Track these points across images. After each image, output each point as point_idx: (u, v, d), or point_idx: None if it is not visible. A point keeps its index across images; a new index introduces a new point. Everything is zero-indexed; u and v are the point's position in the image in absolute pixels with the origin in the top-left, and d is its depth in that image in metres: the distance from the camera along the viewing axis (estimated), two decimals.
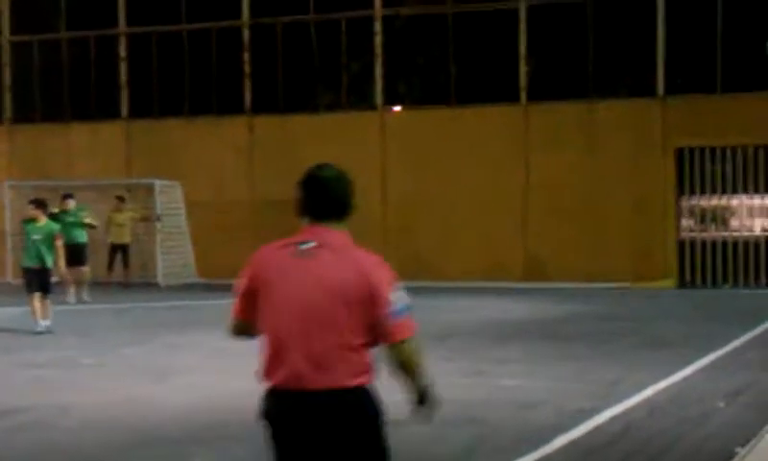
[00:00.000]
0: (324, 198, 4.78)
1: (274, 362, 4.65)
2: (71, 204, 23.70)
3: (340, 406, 4.54)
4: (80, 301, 23.08)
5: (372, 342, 4.62)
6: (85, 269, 23.63)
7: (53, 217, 19.70)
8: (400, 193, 28.91)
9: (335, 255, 4.68)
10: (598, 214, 27.09)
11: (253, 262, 4.86)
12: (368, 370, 4.61)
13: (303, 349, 4.57)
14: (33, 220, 18.63)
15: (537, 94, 28.23)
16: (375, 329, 4.59)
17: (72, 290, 23.10)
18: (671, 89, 27.15)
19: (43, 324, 17.98)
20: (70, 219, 23.23)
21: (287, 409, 4.62)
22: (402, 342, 4.60)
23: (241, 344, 13.52)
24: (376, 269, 4.71)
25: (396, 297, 4.66)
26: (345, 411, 4.54)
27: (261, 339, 4.73)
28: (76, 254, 22.76)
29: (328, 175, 4.83)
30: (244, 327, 4.86)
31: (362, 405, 4.57)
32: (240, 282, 4.84)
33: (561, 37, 28.29)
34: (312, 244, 4.71)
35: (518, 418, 8.41)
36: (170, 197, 29.19)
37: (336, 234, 4.76)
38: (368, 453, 4.59)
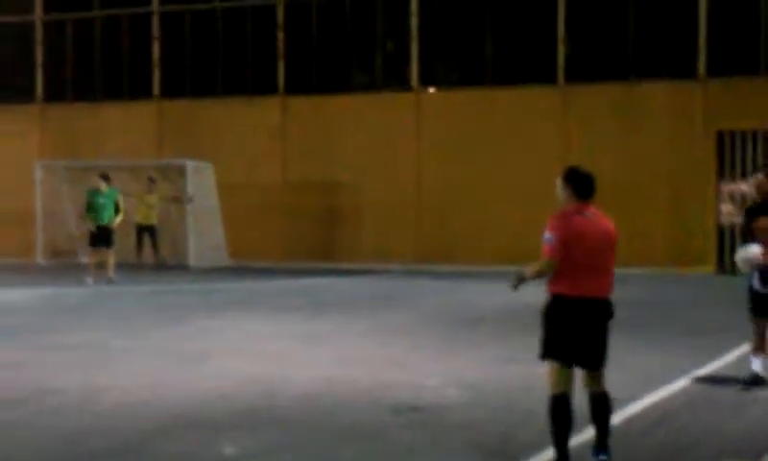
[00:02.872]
0: (588, 187, 7.98)
1: (578, 281, 7.74)
2: (103, 185, 23.45)
3: (608, 307, 7.89)
4: (108, 282, 22.80)
5: None
6: (111, 251, 23.38)
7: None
8: (435, 175, 28.57)
9: (600, 218, 7.94)
10: (637, 198, 26.64)
11: (564, 222, 7.80)
12: None
13: (599, 274, 7.84)
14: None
15: (575, 75, 27.77)
16: None
17: (92, 272, 22.94)
18: (713, 71, 26.61)
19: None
20: (101, 200, 23.16)
21: (588, 310, 7.80)
22: None
23: (271, 329, 13.35)
24: (613, 224, 8.02)
25: None
26: (609, 309, 7.90)
27: (566, 268, 7.71)
28: (103, 236, 23.06)
29: (587, 173, 8.08)
30: (555, 264, 7.73)
31: (612, 306, 7.94)
32: (556, 234, 7.73)
33: (600, 17, 27.79)
34: (590, 213, 7.90)
35: None
36: (202, 178, 28.93)
37: (593, 207, 7.96)
38: (607, 331, 7.94)
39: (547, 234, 7.79)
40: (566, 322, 7.80)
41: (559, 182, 8.07)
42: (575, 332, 7.81)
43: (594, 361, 7.92)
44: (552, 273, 7.82)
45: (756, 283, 11.11)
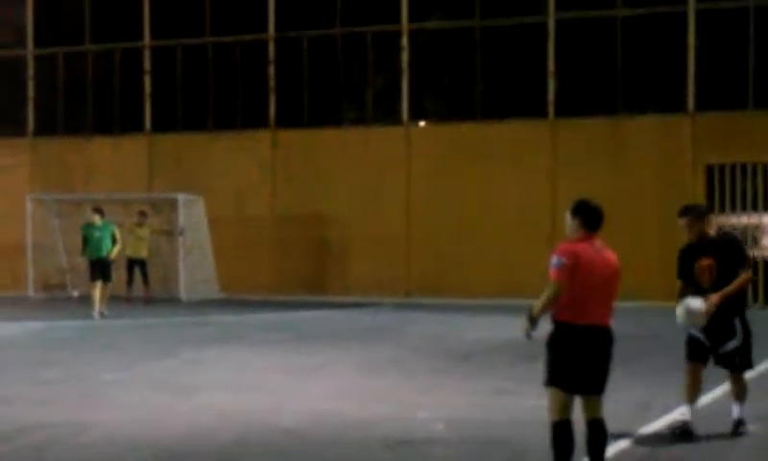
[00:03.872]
0: (596, 219, 8.27)
1: (584, 309, 8.04)
2: (96, 218, 23.53)
3: (611, 334, 8.26)
4: (100, 315, 22.83)
5: None
6: (107, 284, 23.41)
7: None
8: (425, 208, 28.62)
9: (606, 251, 8.28)
10: (626, 232, 26.62)
11: (572, 252, 8.07)
12: None
13: (603, 302, 8.18)
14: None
15: (565, 109, 27.90)
16: None
17: (96, 306, 22.93)
18: (702, 105, 26.75)
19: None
20: (97, 233, 23.22)
21: (593, 337, 8.11)
22: None
23: (261, 362, 13.43)
24: (616, 257, 8.37)
25: None
26: (611, 336, 8.27)
27: (572, 296, 7.97)
28: (101, 269, 23.12)
29: (596, 205, 8.33)
30: (562, 286, 7.96)
31: (613, 333, 8.31)
32: (564, 261, 7.99)
33: (589, 52, 27.96)
34: (597, 245, 8.23)
35: (544, 439, 8.24)
36: (192, 211, 28.96)
37: (599, 240, 8.30)
38: (610, 358, 8.28)
39: (555, 259, 8.05)
40: (572, 349, 8.05)
41: (568, 215, 8.32)
42: (580, 359, 8.06)
43: (596, 386, 8.17)
44: (558, 299, 8.00)
45: (693, 327, 10.63)
